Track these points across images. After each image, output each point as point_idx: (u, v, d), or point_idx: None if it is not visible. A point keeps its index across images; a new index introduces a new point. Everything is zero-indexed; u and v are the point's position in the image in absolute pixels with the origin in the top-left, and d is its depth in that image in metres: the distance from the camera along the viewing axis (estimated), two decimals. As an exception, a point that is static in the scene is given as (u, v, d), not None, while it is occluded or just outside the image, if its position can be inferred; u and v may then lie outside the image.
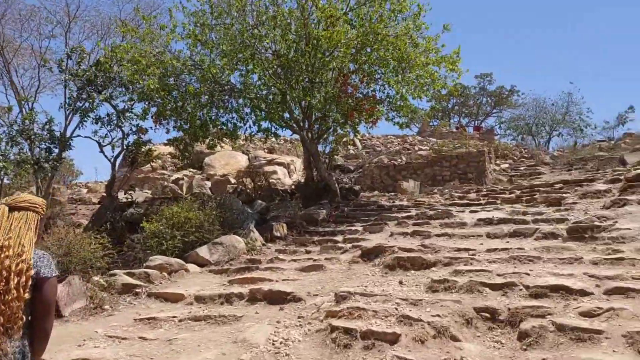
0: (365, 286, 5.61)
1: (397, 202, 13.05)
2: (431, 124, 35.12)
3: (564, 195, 10.86)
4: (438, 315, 4.31)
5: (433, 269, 6.06)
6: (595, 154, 18.92)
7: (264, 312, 5.39)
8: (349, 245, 8.00)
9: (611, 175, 12.05)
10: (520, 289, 4.75)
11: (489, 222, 8.82)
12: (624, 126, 32.81)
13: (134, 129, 12.49)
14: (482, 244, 7.13)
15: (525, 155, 24.45)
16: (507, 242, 7.25)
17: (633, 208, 8.62)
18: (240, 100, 11.79)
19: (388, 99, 11.82)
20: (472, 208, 10.83)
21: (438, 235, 8.09)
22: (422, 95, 11.56)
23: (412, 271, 6.14)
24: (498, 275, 5.20)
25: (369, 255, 7.06)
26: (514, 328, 4.14)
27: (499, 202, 11.65)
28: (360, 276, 6.25)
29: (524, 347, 3.83)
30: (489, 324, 4.31)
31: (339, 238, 8.65)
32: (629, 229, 6.70)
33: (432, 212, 10.20)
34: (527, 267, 5.56)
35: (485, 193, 13.38)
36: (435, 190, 15.51)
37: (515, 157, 23.88)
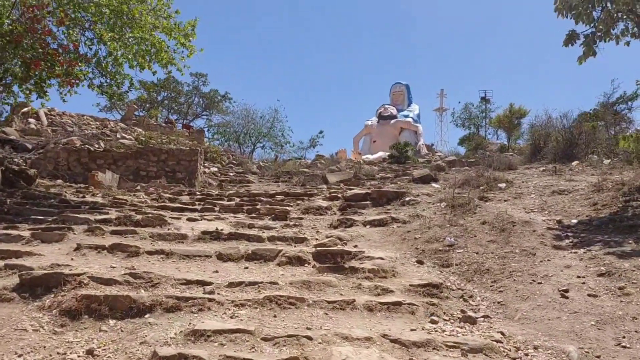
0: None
1: (90, 198, 9.89)
2: (136, 113, 31.53)
3: (287, 208, 9.90)
4: None
5: (148, 318, 3.69)
6: (300, 170, 19.50)
7: None
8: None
9: (328, 193, 11.82)
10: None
11: (216, 236, 6.91)
12: (314, 148, 36.21)
13: None
14: (217, 271, 5.09)
15: (234, 161, 23.81)
16: (247, 267, 5.44)
17: (362, 230, 8.10)
18: None
19: (97, 59, 8.70)
20: (189, 215, 8.78)
21: (150, 253, 5.69)
22: (144, 64, 8.91)
23: (112, 322, 3.62)
24: (265, 339, 3.23)
25: (34, 287, 4.12)
26: None
27: (217, 209, 9.95)
28: (7, 336, 3.36)
29: None
30: None
31: (-17, 250, 5.27)
32: (381, 258, 5.75)
33: (139, 217, 7.67)
34: (295, 318, 3.79)
35: (200, 197, 11.50)
36: (139, 187, 12.85)
37: (223, 162, 22.92)
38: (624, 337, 3.48)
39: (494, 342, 3.38)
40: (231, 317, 3.74)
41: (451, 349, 3.26)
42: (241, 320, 3.60)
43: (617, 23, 7.78)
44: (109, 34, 8.56)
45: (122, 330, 3.50)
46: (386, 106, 37.78)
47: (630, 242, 5.40)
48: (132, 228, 7.08)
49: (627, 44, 7.73)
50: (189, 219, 8.32)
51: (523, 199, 9.38)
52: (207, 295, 4.10)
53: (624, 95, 21.78)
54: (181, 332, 3.34)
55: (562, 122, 14.12)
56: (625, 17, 7.65)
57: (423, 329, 3.70)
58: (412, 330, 3.63)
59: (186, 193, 12.23)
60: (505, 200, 9.34)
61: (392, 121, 35.95)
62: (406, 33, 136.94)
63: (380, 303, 4.25)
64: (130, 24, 8.79)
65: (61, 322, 3.59)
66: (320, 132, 37.07)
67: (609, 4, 7.81)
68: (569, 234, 6.33)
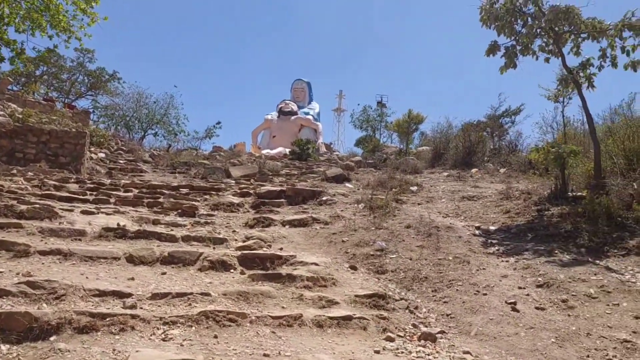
0: None
1: (-46, 182, 8.28)
2: (10, 88, 27.84)
3: (195, 203, 9.13)
4: None
5: (56, 342, 2.90)
6: (198, 161, 18.47)
7: None
8: None
9: (238, 188, 11.16)
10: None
11: (121, 234, 6.02)
12: (210, 139, 34.51)
13: None
14: (132, 278, 4.31)
15: (123, 148, 21.92)
16: (164, 273, 4.71)
17: (282, 230, 7.66)
18: None
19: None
20: (82, 206, 7.68)
21: (44, 253, 4.72)
22: (40, 20, 7.63)
23: (5, 348, 2.77)
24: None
25: None
26: None
27: (113, 201, 8.87)
28: None
29: None
30: None
31: None
32: (316, 264, 5.35)
33: (24, 207, 6.49)
34: (240, 339, 3.23)
35: (92, 186, 10.22)
36: (15, 171, 11.13)
37: (112, 148, 21.02)
38: (587, 355, 3.43)
39: (468, 365, 3.15)
40: (163, 340, 3.09)
41: (429, 375, 2.95)
42: (181, 345, 2.97)
43: (535, 38, 8.13)
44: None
45: (20, 360, 2.70)
46: (287, 101, 37.38)
47: (556, 252, 5.57)
48: (16, 220, 5.93)
49: (547, 60, 8.11)
50: (84, 212, 7.25)
51: (435, 203, 9.54)
52: (128, 311, 3.38)
53: (508, 109, 23.58)
54: (102, 362, 2.64)
55: (464, 130, 14.82)
56: (544, 33, 8.01)
57: (384, 349, 3.36)
58: (375, 352, 3.27)
59: (74, 180, 10.84)
60: (419, 204, 9.43)
61: (293, 117, 35.61)
62: (308, 31, 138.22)
63: (330, 318, 3.83)
64: (19, -21, 7.48)
65: None
66: (218, 122, 35.30)
67: (529, 19, 8.14)
68: (493, 241, 6.43)
